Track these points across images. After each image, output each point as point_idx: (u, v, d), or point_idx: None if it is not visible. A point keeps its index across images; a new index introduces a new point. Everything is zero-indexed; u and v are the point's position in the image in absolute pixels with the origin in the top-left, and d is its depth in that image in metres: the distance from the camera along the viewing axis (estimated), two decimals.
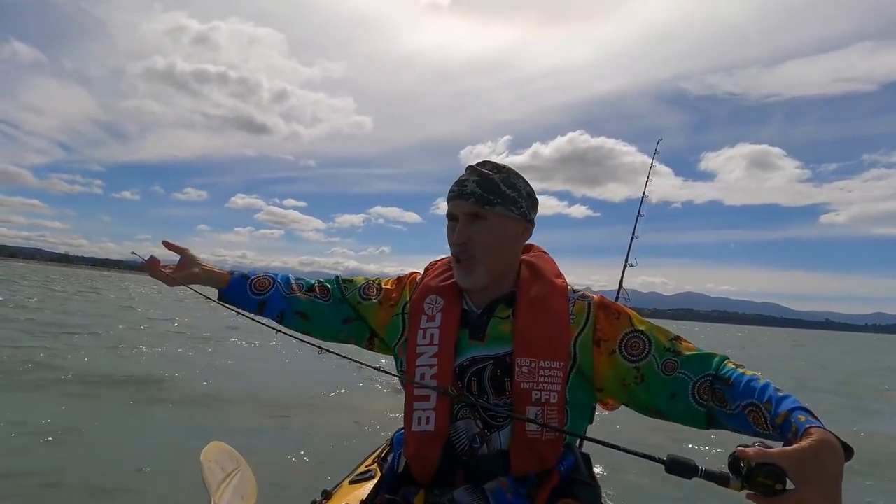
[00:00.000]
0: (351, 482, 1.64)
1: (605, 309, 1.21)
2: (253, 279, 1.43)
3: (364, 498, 1.35)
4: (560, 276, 1.30)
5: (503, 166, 1.26)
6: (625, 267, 2.56)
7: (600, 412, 2.09)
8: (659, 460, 0.91)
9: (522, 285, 1.25)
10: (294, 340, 1.39)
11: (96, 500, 3.08)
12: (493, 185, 1.21)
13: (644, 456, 0.92)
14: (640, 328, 1.17)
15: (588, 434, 1.11)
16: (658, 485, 4.49)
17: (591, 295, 1.25)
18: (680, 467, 0.89)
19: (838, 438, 0.85)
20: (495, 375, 1.17)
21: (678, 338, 1.16)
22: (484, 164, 1.26)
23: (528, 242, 1.36)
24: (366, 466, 1.77)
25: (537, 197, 1.31)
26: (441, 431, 1.17)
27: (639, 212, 2.62)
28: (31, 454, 3.68)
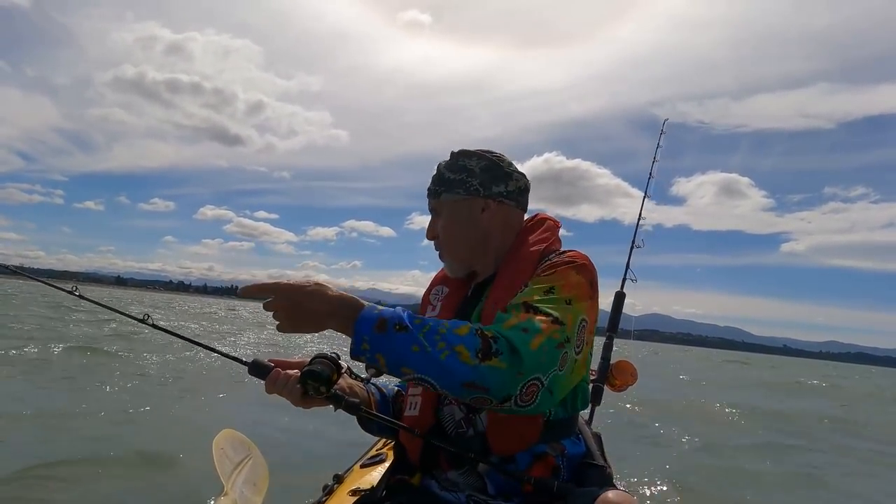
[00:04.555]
0: (362, 466, 1.65)
1: (548, 265, 1.13)
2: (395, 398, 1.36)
3: (375, 482, 1.36)
4: (541, 242, 1.21)
5: (455, 152, 1.27)
6: (631, 247, 2.56)
7: (608, 393, 2.09)
8: (245, 363, 1.16)
9: (503, 263, 1.22)
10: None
11: (110, 486, 3.12)
12: (439, 175, 1.25)
13: (233, 358, 1.23)
14: (531, 283, 1.09)
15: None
16: (671, 466, 4.52)
17: (563, 255, 1.15)
18: (257, 371, 1.14)
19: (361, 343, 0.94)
20: None
21: (531, 306, 1.02)
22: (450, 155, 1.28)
23: (542, 215, 1.29)
24: (377, 450, 1.78)
25: (503, 168, 1.24)
26: (424, 417, 1.18)
27: (645, 193, 2.62)
28: (36, 441, 3.73)
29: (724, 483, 4.27)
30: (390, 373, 0.96)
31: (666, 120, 2.76)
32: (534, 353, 0.93)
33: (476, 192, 1.21)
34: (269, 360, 1.15)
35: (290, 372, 1.11)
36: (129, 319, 1.33)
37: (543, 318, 0.99)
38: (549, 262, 1.14)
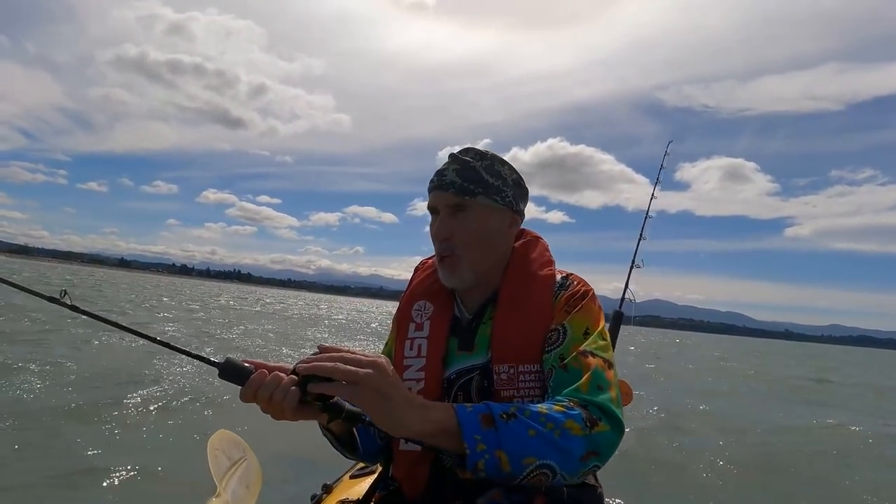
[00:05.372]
0: (351, 477, 1.66)
1: (569, 300, 1.11)
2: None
3: (364, 493, 1.37)
4: (548, 264, 1.19)
5: (486, 152, 1.15)
6: (631, 268, 2.56)
7: None
8: (215, 364, 0.87)
9: (505, 282, 1.15)
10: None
11: (105, 484, 3.15)
12: (475, 172, 1.12)
13: (199, 358, 0.90)
14: (570, 328, 1.07)
15: None
16: (665, 488, 4.49)
17: (574, 285, 1.14)
18: (232, 373, 0.86)
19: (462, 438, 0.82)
20: (482, 387, 1.10)
21: (588, 353, 1.02)
22: (466, 150, 1.16)
23: (531, 233, 1.27)
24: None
25: (526, 187, 1.20)
26: (427, 451, 1.06)
27: (647, 214, 2.63)
28: (33, 441, 3.76)
29: None
30: (510, 472, 0.85)
31: (669, 142, 2.79)
32: (618, 405, 0.96)
33: (510, 205, 1.16)
34: (245, 361, 0.88)
35: (282, 374, 0.85)
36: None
37: (600, 362, 1.01)
38: (570, 297, 1.11)
